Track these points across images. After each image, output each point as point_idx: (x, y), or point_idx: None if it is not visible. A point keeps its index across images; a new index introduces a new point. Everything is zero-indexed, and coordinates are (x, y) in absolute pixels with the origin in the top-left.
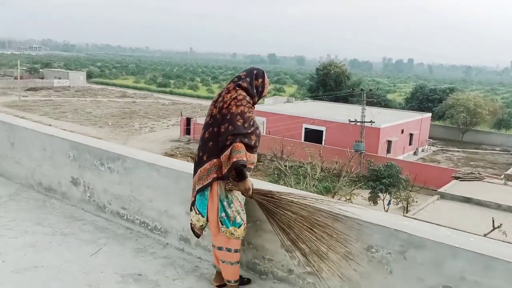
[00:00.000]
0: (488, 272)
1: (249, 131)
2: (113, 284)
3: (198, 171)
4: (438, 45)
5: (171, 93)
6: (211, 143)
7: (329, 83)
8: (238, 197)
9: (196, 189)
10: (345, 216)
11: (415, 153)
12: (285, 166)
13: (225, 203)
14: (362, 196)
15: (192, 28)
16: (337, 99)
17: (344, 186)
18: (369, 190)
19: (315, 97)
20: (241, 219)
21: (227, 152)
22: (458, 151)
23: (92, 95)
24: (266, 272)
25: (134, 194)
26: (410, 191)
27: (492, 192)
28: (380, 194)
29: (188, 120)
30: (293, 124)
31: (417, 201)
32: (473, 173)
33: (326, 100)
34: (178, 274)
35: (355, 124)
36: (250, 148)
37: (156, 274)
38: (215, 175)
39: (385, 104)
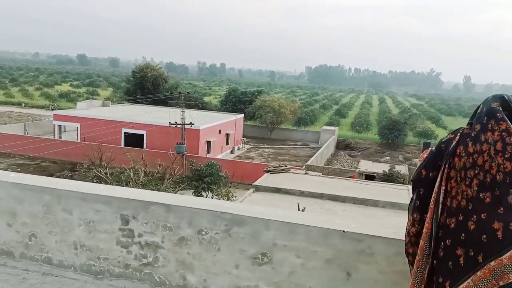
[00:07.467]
0: (292, 236)
1: None
2: None
3: (473, 276)
4: (246, 52)
5: None
6: None
7: (147, 86)
8: None
9: None
10: (177, 206)
11: (232, 152)
12: (105, 173)
13: None
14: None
15: None
16: (155, 102)
17: (168, 188)
18: (193, 190)
19: (133, 101)
20: None
21: None
22: (268, 148)
23: None
24: (102, 271)
25: None
26: (230, 187)
27: (296, 181)
28: (203, 193)
29: None
30: (112, 129)
31: (236, 196)
32: (280, 166)
33: (144, 103)
34: None
35: (176, 126)
36: None
37: None
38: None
39: (203, 106)
